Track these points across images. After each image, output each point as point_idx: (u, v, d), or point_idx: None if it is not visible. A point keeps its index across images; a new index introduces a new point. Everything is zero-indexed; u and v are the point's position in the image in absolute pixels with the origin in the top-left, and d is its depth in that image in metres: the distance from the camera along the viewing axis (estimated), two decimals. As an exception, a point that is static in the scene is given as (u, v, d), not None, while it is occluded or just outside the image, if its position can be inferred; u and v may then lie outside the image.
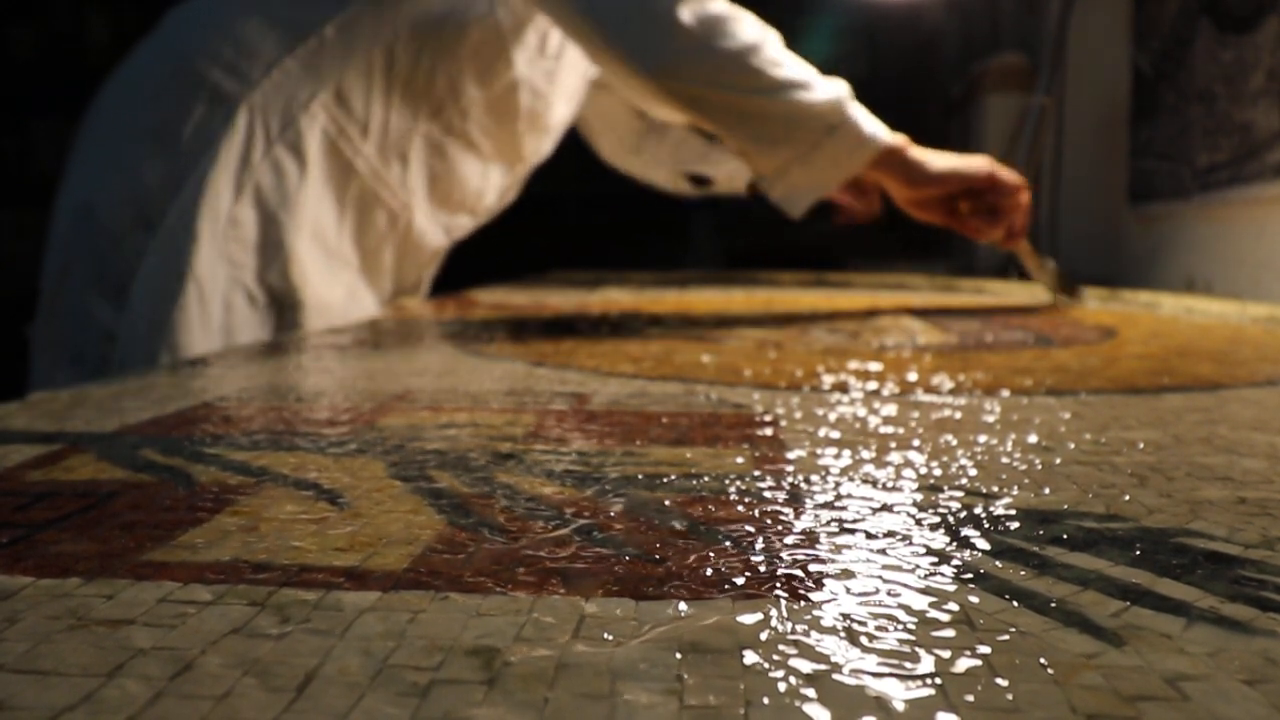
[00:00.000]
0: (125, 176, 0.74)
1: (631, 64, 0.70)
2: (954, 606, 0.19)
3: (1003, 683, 0.16)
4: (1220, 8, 1.09)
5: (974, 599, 0.20)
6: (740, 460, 0.31)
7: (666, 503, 0.26)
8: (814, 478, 0.29)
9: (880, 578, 0.21)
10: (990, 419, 0.38)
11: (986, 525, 0.24)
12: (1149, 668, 0.17)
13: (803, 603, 0.19)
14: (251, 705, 0.15)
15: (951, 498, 0.27)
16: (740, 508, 0.26)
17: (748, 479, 0.29)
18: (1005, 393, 0.44)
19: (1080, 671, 0.16)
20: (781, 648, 0.17)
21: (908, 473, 0.29)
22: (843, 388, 0.45)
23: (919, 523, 0.24)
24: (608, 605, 0.19)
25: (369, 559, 0.22)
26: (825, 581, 0.21)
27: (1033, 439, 0.34)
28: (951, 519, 0.25)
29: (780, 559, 0.22)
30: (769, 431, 0.35)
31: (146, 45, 0.82)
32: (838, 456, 0.31)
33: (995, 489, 0.28)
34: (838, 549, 0.23)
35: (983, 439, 0.34)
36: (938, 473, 0.29)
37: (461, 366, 0.52)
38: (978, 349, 0.60)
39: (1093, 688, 0.16)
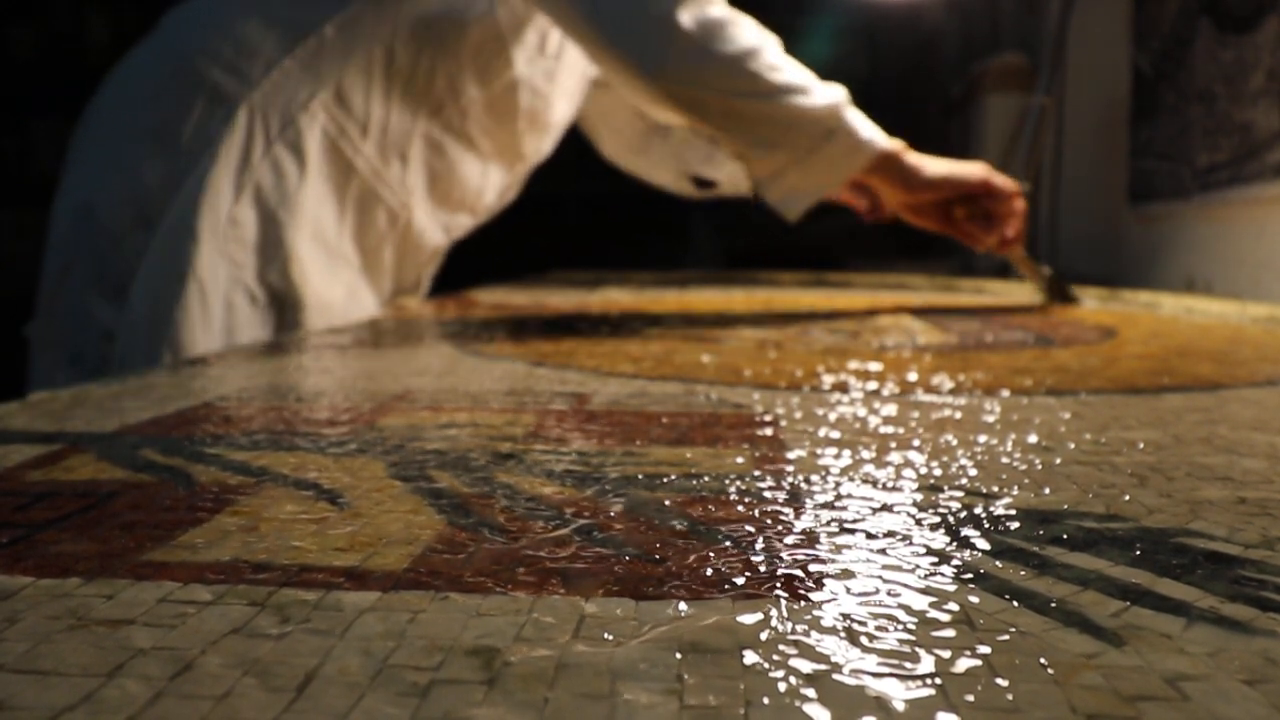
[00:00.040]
0: (125, 176, 0.74)
1: (630, 66, 0.70)
2: (954, 606, 0.19)
3: (1003, 683, 0.16)
4: (1220, 8, 1.09)
5: (974, 599, 0.20)
6: (740, 460, 0.31)
7: (666, 503, 0.26)
8: (814, 478, 0.29)
9: (880, 578, 0.21)
10: (990, 419, 0.38)
11: (986, 525, 0.24)
12: (1149, 668, 0.17)
13: (803, 603, 0.19)
14: (251, 705, 0.15)
15: (951, 498, 0.27)
16: (740, 508, 0.26)
17: (748, 479, 0.29)
18: (1005, 393, 0.44)
19: (1080, 671, 0.16)
20: (781, 648, 0.17)
21: (908, 473, 0.29)
22: (843, 388, 0.45)
23: (919, 523, 0.24)
24: (608, 605, 0.19)
25: (369, 559, 0.22)
26: (825, 581, 0.21)
27: (1033, 439, 0.34)
28: (951, 519, 0.25)
29: (780, 559, 0.22)
30: (769, 431, 0.35)
31: (146, 45, 0.82)
32: (838, 456, 0.31)
33: (995, 489, 0.28)
34: (838, 549, 0.23)
35: (983, 439, 0.34)
36: (938, 473, 0.29)
37: (461, 366, 0.52)
38: (978, 349, 0.60)
39: (1093, 688, 0.16)
